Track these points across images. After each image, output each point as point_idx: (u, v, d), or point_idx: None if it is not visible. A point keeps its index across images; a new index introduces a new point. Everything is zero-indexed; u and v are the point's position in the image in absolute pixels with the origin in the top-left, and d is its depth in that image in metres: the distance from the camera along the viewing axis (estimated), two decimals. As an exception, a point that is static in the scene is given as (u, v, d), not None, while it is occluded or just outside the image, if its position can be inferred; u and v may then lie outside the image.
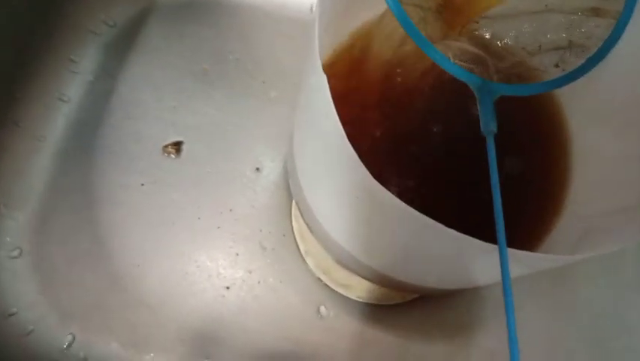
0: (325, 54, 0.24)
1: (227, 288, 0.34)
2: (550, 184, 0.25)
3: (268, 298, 0.34)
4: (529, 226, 0.24)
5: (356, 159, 0.15)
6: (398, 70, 0.23)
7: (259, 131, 0.38)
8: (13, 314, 0.32)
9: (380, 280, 0.26)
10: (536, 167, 0.25)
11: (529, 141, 0.26)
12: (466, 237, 0.15)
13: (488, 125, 0.19)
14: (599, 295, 0.36)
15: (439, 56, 0.18)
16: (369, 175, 0.15)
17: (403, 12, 0.17)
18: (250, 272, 0.34)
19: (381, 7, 0.24)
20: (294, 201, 0.36)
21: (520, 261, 0.17)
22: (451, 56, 0.20)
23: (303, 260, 0.35)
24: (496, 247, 0.16)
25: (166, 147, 0.36)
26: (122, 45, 0.39)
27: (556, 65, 0.23)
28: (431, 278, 0.23)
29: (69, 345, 0.32)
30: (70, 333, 0.32)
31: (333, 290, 0.34)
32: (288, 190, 0.36)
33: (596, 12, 0.22)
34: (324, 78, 0.16)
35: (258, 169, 0.37)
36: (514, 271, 0.17)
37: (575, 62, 0.22)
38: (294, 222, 0.36)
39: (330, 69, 0.24)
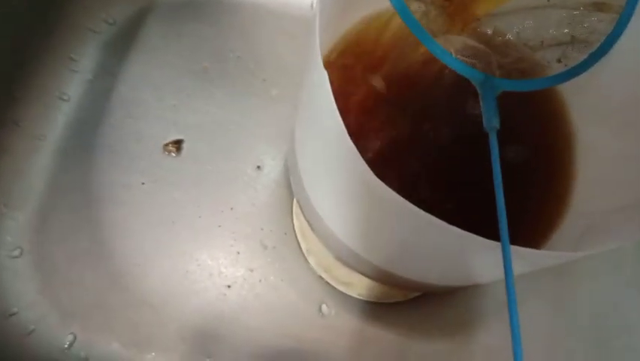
0: (326, 50, 0.24)
1: (229, 287, 0.34)
2: (554, 181, 0.25)
3: (269, 296, 0.34)
4: (531, 224, 0.24)
5: (356, 155, 0.15)
6: (399, 66, 0.23)
7: (260, 130, 0.37)
8: (13, 314, 0.32)
9: (381, 276, 0.26)
10: (539, 164, 0.25)
11: (532, 138, 0.25)
12: (468, 234, 0.15)
13: (491, 121, 0.19)
14: (599, 293, 0.35)
15: (441, 50, 0.18)
16: (370, 170, 0.15)
17: (405, 7, 0.17)
18: (251, 271, 0.34)
19: (381, 3, 0.24)
20: (295, 199, 0.36)
21: (523, 258, 0.17)
22: (453, 51, 0.20)
23: (305, 258, 0.35)
24: (498, 244, 0.16)
25: (167, 145, 0.36)
26: (122, 43, 0.39)
27: (559, 61, 0.23)
28: (432, 275, 0.22)
29: (70, 345, 0.32)
30: (72, 333, 0.32)
31: (335, 288, 0.34)
32: (289, 188, 0.36)
33: (598, 7, 0.22)
34: (325, 74, 0.16)
35: (259, 167, 0.36)
36: (517, 268, 0.17)
37: (578, 57, 0.22)
38: (295, 221, 0.36)
39: (331, 65, 0.24)
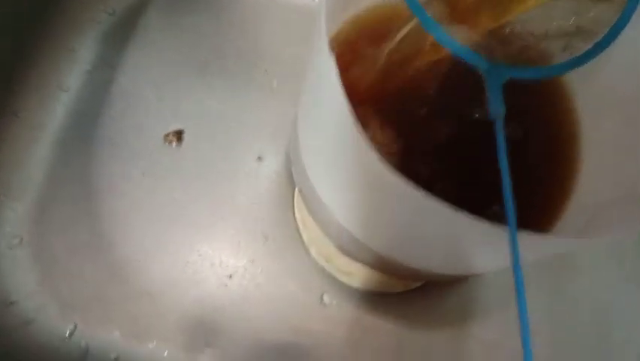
0: (330, 37, 0.24)
1: (230, 277, 0.34)
2: (557, 172, 0.25)
3: (270, 286, 0.34)
4: (535, 214, 0.24)
5: (362, 139, 0.15)
6: (405, 55, 0.23)
7: (261, 121, 0.37)
8: (13, 303, 0.32)
9: (383, 265, 0.26)
10: (543, 155, 0.25)
11: (536, 129, 0.25)
12: (475, 218, 0.15)
13: (497, 109, 0.19)
14: (599, 288, 0.36)
15: (446, 38, 0.18)
16: (376, 154, 0.15)
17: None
18: (252, 261, 0.34)
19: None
20: (296, 191, 0.36)
21: (529, 244, 0.17)
22: (458, 40, 0.20)
23: (306, 249, 0.35)
24: (505, 227, 0.16)
25: (167, 135, 0.36)
26: (122, 34, 0.38)
27: (564, 50, 0.23)
28: (434, 262, 0.22)
29: (70, 334, 0.32)
30: (72, 323, 0.32)
31: (336, 278, 0.34)
32: (291, 179, 0.36)
33: (603, -4, 0.22)
34: (331, 59, 0.15)
35: (259, 158, 0.36)
36: (523, 255, 0.17)
37: (583, 46, 0.22)
38: (296, 212, 0.35)
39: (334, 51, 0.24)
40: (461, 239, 0.19)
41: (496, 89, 0.19)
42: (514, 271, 0.17)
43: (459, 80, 0.24)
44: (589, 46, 0.21)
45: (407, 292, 0.35)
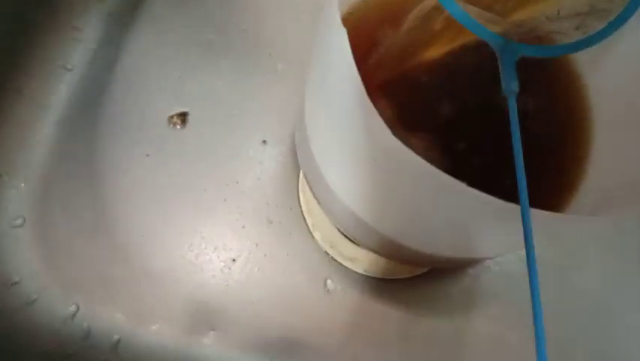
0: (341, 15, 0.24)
1: (234, 260, 0.33)
2: (568, 155, 0.24)
3: (274, 271, 0.34)
4: (545, 196, 0.23)
5: (375, 115, 0.15)
6: (418, 30, 0.22)
7: (265, 104, 0.37)
8: (16, 283, 0.32)
9: (390, 249, 0.26)
10: (553, 138, 0.25)
11: (547, 112, 0.25)
12: (487, 196, 0.15)
13: (510, 85, 0.18)
14: (603, 275, 0.35)
15: (462, 13, 0.18)
16: (388, 130, 0.15)
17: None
18: (256, 245, 0.34)
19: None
20: (301, 175, 0.35)
21: (542, 222, 0.17)
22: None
23: (310, 233, 0.35)
24: (517, 206, 0.16)
25: (172, 117, 0.36)
26: (127, 13, 0.38)
27: (577, 28, 0.23)
28: (444, 244, 0.22)
29: (73, 315, 0.32)
30: (74, 303, 0.32)
31: (340, 264, 0.34)
32: (295, 163, 0.36)
33: (619, -26, 0.22)
34: (344, 33, 0.15)
35: (264, 142, 0.36)
36: (534, 236, 0.16)
37: (597, 25, 0.21)
38: (301, 196, 0.35)
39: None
40: (473, 218, 0.18)
41: (510, 65, 0.19)
42: (526, 248, 0.16)
43: (470, 61, 0.24)
44: (603, 24, 0.21)
45: (411, 278, 0.35)
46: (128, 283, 0.33)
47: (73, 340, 0.31)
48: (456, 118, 0.24)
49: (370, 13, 0.24)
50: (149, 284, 0.33)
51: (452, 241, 0.22)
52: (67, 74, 0.36)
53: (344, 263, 0.34)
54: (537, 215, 0.16)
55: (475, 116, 0.24)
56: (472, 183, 0.15)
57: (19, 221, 0.33)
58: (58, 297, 0.32)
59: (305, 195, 0.35)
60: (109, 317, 0.32)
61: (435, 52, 0.24)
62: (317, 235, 0.34)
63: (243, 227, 0.34)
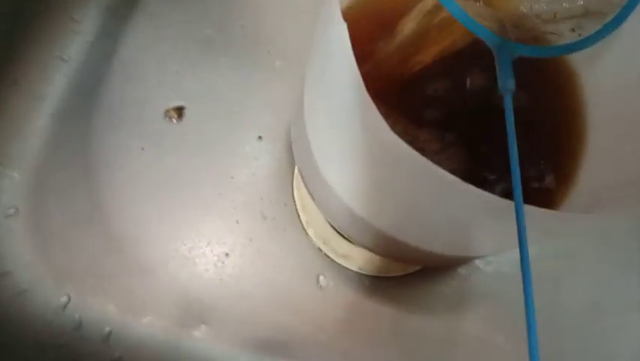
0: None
1: (227, 255, 0.34)
2: (562, 155, 0.25)
3: (267, 266, 0.34)
4: (538, 196, 0.24)
5: (374, 111, 0.15)
6: (415, 29, 0.23)
7: (262, 100, 0.37)
8: (7, 273, 0.32)
9: (385, 246, 0.26)
10: (547, 138, 0.25)
11: (542, 111, 0.25)
12: (483, 192, 0.15)
13: (506, 84, 0.19)
14: (595, 276, 0.36)
15: (460, 11, 0.18)
16: (387, 126, 0.15)
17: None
18: (250, 240, 0.34)
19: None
20: (296, 171, 0.36)
21: (536, 219, 0.17)
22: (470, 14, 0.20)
23: (304, 230, 0.35)
24: (512, 203, 0.16)
25: (168, 111, 0.36)
26: (125, 6, 0.38)
27: (572, 30, 0.23)
28: (440, 241, 0.22)
29: (64, 306, 0.32)
30: (66, 295, 0.32)
31: (333, 261, 0.34)
32: (291, 160, 0.36)
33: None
34: (344, 27, 0.15)
35: (260, 138, 0.36)
36: (528, 233, 0.17)
37: (592, 27, 0.22)
38: (295, 192, 0.35)
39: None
40: (468, 214, 0.18)
41: (507, 64, 0.19)
42: (519, 245, 0.17)
43: (467, 61, 0.24)
44: (598, 26, 0.21)
45: (404, 276, 0.35)
46: (120, 275, 0.33)
47: (64, 330, 0.31)
48: (452, 115, 0.24)
49: (370, 7, 0.24)
50: (141, 277, 0.33)
51: (448, 237, 0.22)
52: (64, 65, 0.36)
53: (337, 260, 0.34)
54: (531, 212, 0.16)
55: (471, 112, 0.24)
56: (467, 180, 0.15)
57: (11, 211, 0.33)
58: (51, 288, 0.32)
59: (299, 192, 0.35)
60: (101, 309, 0.32)
61: (432, 50, 0.24)
62: (311, 232, 0.35)
63: (237, 222, 0.34)
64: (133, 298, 0.32)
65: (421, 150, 0.16)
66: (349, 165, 0.20)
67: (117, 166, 0.34)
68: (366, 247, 0.30)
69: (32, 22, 0.35)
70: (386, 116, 0.15)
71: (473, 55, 0.22)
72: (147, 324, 0.32)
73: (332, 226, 0.34)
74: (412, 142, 0.17)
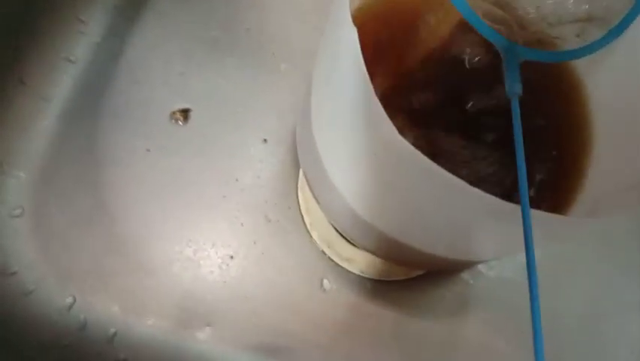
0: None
1: (231, 257, 0.34)
2: (567, 161, 0.25)
3: (271, 268, 0.34)
4: (548, 196, 0.24)
5: (382, 114, 0.15)
6: (426, 32, 0.23)
7: (267, 103, 0.37)
8: (13, 273, 0.32)
9: (388, 249, 0.26)
10: (552, 143, 0.25)
11: (546, 116, 0.25)
12: (490, 196, 0.15)
13: (513, 88, 0.19)
14: (593, 278, 0.36)
15: (470, 12, 0.18)
16: (395, 129, 0.15)
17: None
18: (254, 243, 0.34)
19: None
20: (300, 174, 0.36)
21: (543, 224, 0.17)
22: (480, 15, 0.20)
23: (308, 233, 0.35)
24: (518, 206, 0.16)
25: (174, 113, 0.36)
26: (132, 7, 0.38)
27: (577, 36, 0.23)
28: (444, 244, 0.22)
29: (69, 307, 0.32)
30: (71, 295, 0.32)
31: (337, 264, 0.34)
32: (295, 163, 0.36)
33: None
34: (353, 29, 0.15)
35: (265, 140, 0.36)
36: (534, 237, 0.17)
37: (596, 33, 0.22)
38: (299, 195, 0.35)
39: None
40: (472, 218, 0.19)
41: (514, 67, 0.19)
42: (526, 249, 0.17)
43: (471, 66, 0.24)
44: (602, 32, 0.22)
45: (407, 280, 0.35)
46: (125, 277, 0.33)
47: (69, 331, 0.31)
48: (459, 119, 0.24)
49: (379, 8, 0.25)
50: (146, 278, 0.33)
51: (451, 240, 0.22)
52: (71, 66, 0.36)
53: (341, 263, 0.34)
54: (537, 216, 0.16)
55: (480, 116, 0.24)
56: (473, 183, 0.15)
57: (18, 211, 0.33)
58: (56, 288, 0.32)
59: (304, 195, 0.35)
60: (105, 310, 0.32)
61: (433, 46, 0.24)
62: (315, 235, 0.35)
63: (242, 224, 0.34)
64: (138, 300, 0.32)
65: (431, 155, 0.16)
66: (354, 165, 0.20)
67: (122, 167, 0.35)
68: (368, 250, 0.30)
69: (39, 23, 0.35)
70: (392, 117, 0.15)
71: (483, 58, 0.22)
72: (152, 325, 0.32)
73: (336, 229, 0.34)
74: (418, 145, 0.17)
